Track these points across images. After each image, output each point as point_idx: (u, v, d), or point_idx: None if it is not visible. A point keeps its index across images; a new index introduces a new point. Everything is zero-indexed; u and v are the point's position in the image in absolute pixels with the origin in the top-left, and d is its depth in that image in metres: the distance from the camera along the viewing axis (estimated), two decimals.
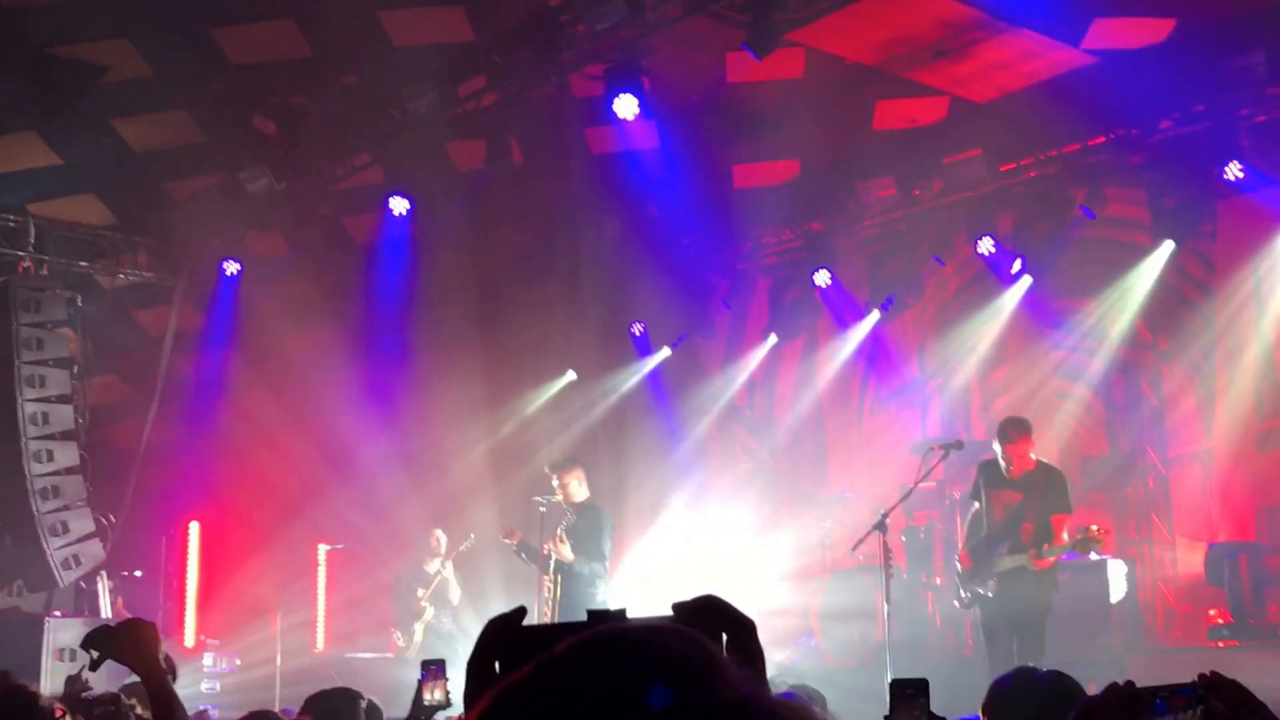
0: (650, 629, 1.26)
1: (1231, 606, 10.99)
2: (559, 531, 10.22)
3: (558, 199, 13.10)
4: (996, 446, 9.02)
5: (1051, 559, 8.71)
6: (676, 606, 1.76)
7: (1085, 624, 10.37)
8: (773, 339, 14.68)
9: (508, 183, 12.28)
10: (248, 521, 14.00)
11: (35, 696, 4.01)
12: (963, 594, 9.26)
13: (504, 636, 1.76)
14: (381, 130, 12.00)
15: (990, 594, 8.89)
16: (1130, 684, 2.38)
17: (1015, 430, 8.94)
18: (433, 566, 12.68)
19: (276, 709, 7.42)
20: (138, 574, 13.59)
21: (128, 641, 3.53)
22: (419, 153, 12.29)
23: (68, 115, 11.42)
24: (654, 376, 15.40)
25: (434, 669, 4.76)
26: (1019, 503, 8.91)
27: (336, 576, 14.06)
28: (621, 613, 1.73)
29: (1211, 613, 11.28)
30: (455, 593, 12.65)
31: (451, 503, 13.86)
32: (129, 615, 12.23)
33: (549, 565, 10.26)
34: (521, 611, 1.80)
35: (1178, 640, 11.64)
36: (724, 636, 1.75)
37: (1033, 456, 9.00)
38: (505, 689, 1.21)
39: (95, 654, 3.48)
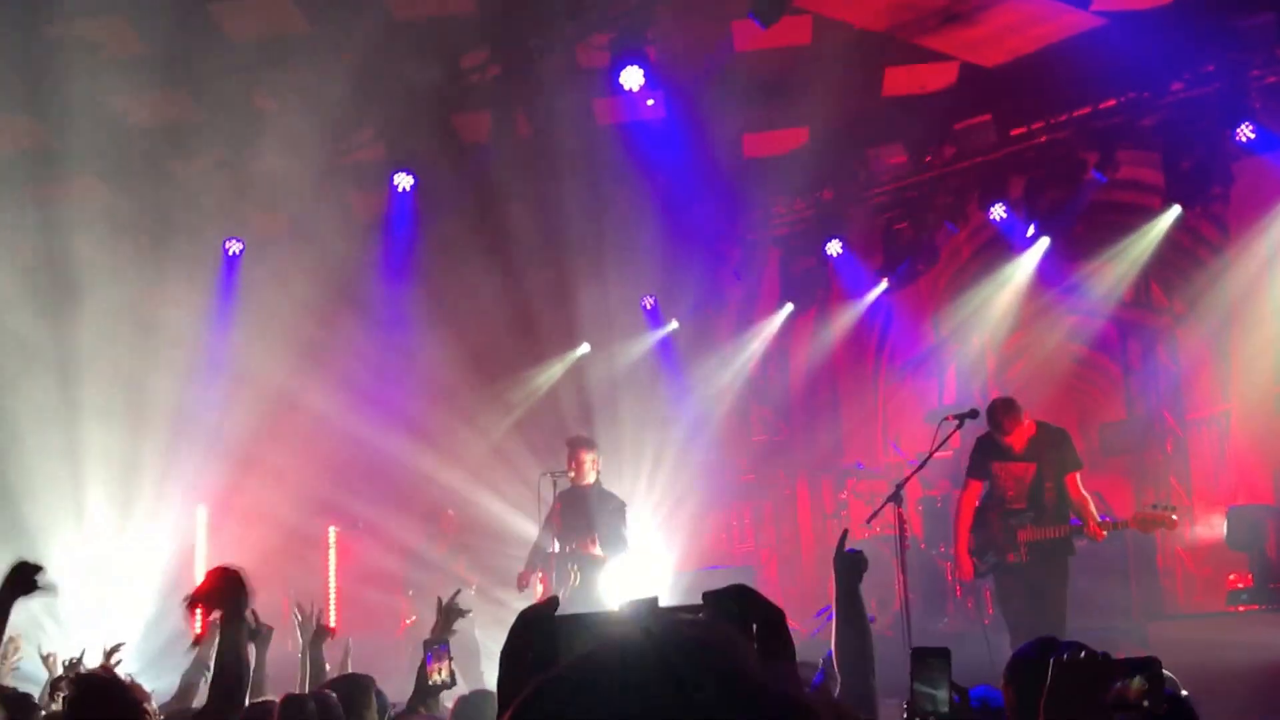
0: (681, 629, 1.29)
1: (1253, 569, 11.05)
2: (591, 533, 10.16)
3: (565, 171, 13.09)
4: (994, 434, 9.01)
5: (1104, 533, 8.74)
6: (707, 595, 1.83)
7: (1105, 590, 10.44)
8: (789, 307, 14.74)
9: (514, 156, 12.29)
10: (256, 504, 14.06)
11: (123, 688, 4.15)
12: (977, 564, 9.26)
13: (537, 626, 1.83)
14: (384, 105, 12.01)
15: (1019, 562, 8.91)
16: (1106, 655, 2.56)
17: (1007, 418, 8.88)
18: (442, 555, 12.71)
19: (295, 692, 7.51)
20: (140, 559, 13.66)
21: (215, 589, 3.76)
22: (423, 127, 12.32)
23: (65, 94, 11.44)
24: (666, 349, 15.46)
25: (438, 649, 4.84)
26: (1034, 472, 8.94)
27: (347, 558, 14.14)
28: (654, 600, 1.79)
29: (1231, 577, 11.35)
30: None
31: (464, 481, 13.93)
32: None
33: (567, 558, 10.26)
34: (554, 602, 1.88)
35: (1198, 605, 11.72)
36: (754, 625, 1.82)
37: (1027, 423, 9.01)
38: (541, 686, 1.24)
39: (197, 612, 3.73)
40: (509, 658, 1.84)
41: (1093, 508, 8.79)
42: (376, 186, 13.20)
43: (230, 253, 13.71)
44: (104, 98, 11.96)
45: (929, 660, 3.12)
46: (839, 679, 4.04)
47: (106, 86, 11.76)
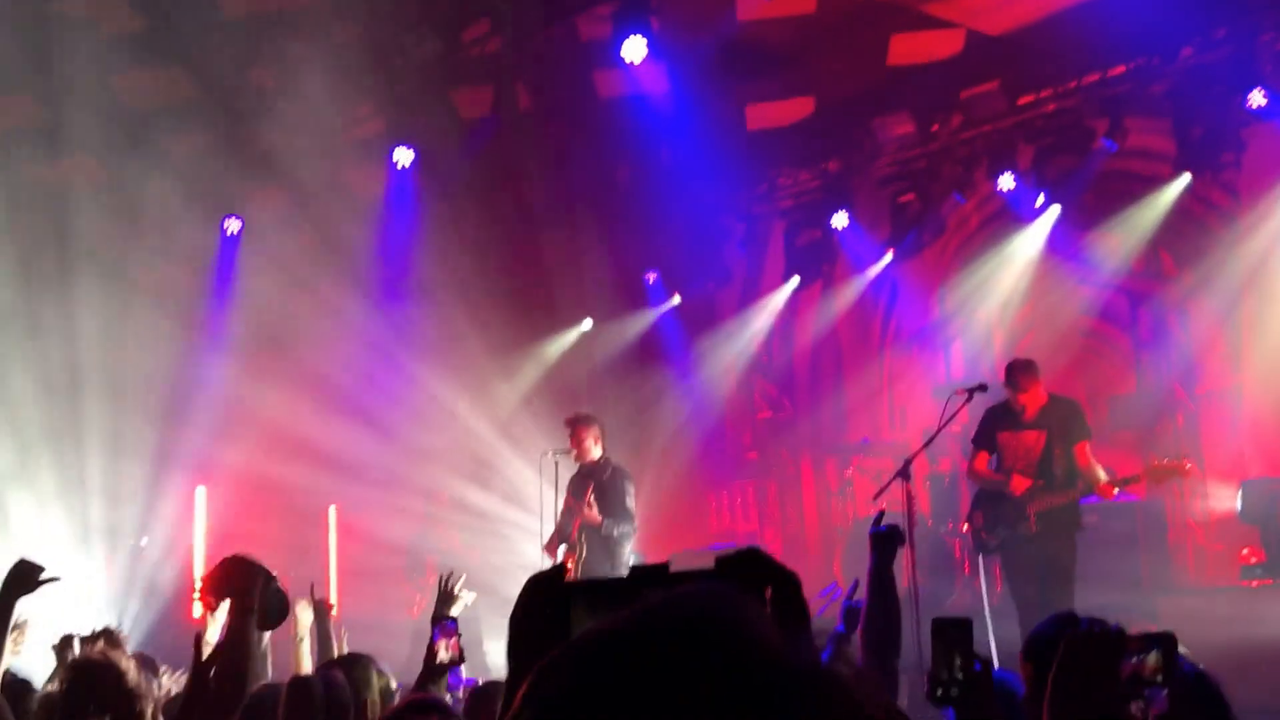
0: (695, 601, 1.25)
1: (1266, 543, 11.02)
2: (589, 496, 10.19)
3: (567, 145, 13.05)
4: (1009, 393, 9.02)
5: (1114, 489, 8.73)
6: (720, 560, 1.80)
7: (1114, 565, 10.41)
8: (795, 280, 14.69)
9: (515, 130, 12.24)
10: (255, 485, 14.06)
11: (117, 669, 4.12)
12: (985, 538, 9.24)
13: (545, 594, 1.80)
14: (383, 80, 11.97)
15: (1028, 534, 8.89)
16: (1120, 629, 2.55)
17: (1025, 376, 8.92)
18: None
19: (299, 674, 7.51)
20: (144, 542, 13.69)
21: (225, 578, 3.72)
22: (422, 102, 12.27)
23: (59, 72, 11.40)
24: (670, 324, 15.43)
25: (445, 625, 4.82)
26: (1044, 441, 8.93)
27: (348, 540, 14.13)
28: (665, 566, 1.76)
29: (1244, 551, 11.31)
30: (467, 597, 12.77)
31: (468, 459, 13.93)
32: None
33: (571, 528, 10.28)
34: (562, 569, 1.85)
35: (1210, 580, 11.69)
36: (768, 590, 1.79)
37: (1042, 394, 9.01)
38: (551, 661, 1.22)
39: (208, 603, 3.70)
40: (517, 625, 1.82)
41: (1101, 472, 8.80)
42: (376, 163, 13.16)
43: (229, 231, 13.68)
44: (101, 75, 11.92)
45: (949, 631, 3.10)
46: (857, 657, 4.05)
47: (103, 64, 11.73)
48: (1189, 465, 8.75)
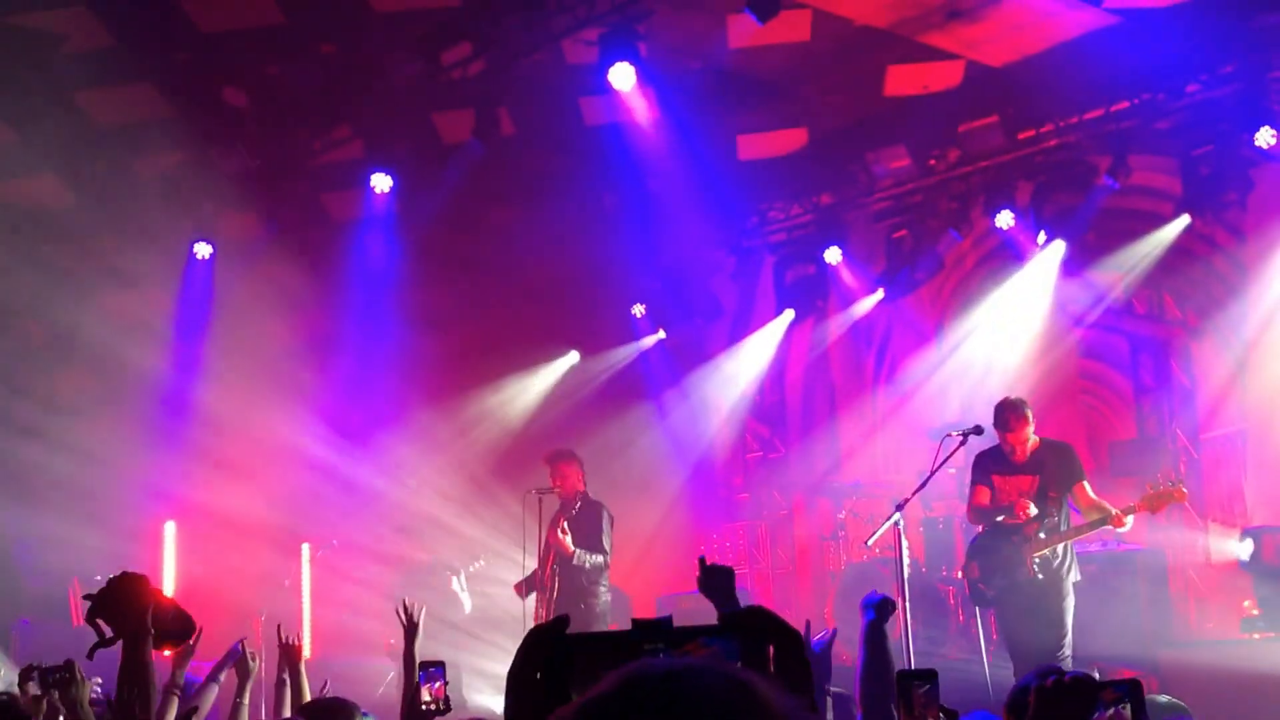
0: (693, 669, 1.26)
1: (1261, 595, 11.07)
2: (562, 524, 10.28)
3: (551, 173, 13.08)
4: (999, 434, 9.08)
5: (1129, 520, 8.75)
6: (724, 617, 1.84)
7: (1116, 618, 10.45)
8: (788, 314, 14.67)
9: (497, 156, 12.28)
10: (226, 521, 14.00)
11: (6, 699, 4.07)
12: (982, 589, 9.28)
13: (546, 646, 1.83)
14: (362, 101, 11.98)
15: (1027, 579, 8.92)
16: (1089, 676, 2.65)
17: (1014, 416, 8.97)
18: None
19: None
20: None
21: (116, 598, 3.57)
22: (402, 125, 12.28)
23: (24, 89, 11.39)
24: (658, 359, 15.45)
25: (432, 671, 4.79)
26: (1038, 485, 8.99)
27: (323, 578, 14.07)
28: (667, 621, 1.79)
29: (1246, 603, 11.35)
30: (467, 603, 12.77)
31: (449, 497, 13.91)
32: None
33: (545, 566, 10.35)
34: (563, 622, 1.87)
35: (1211, 632, 11.72)
36: (771, 648, 1.82)
37: (1034, 439, 9.07)
38: None
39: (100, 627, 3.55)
40: (517, 679, 1.84)
41: (1109, 505, 8.83)
42: (353, 187, 13.18)
43: (199, 256, 13.65)
44: (67, 92, 11.93)
45: (915, 682, 3.17)
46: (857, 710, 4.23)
47: (69, 81, 11.73)
48: (1184, 490, 8.82)
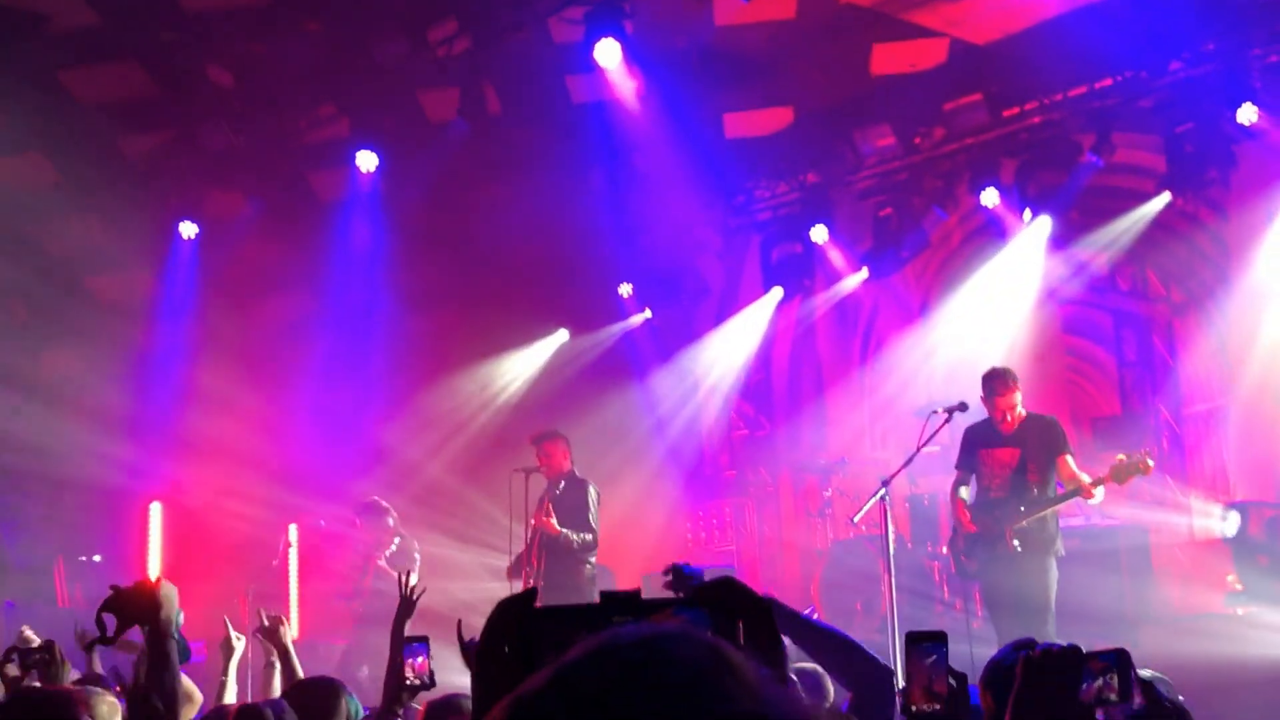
0: (666, 635, 1.25)
1: (1240, 568, 11.11)
2: (546, 505, 10.27)
3: (537, 151, 13.03)
4: (985, 403, 9.11)
5: (1099, 491, 8.77)
6: (694, 589, 1.81)
7: (1098, 595, 10.47)
8: (777, 292, 14.65)
9: (483, 134, 12.23)
10: (212, 501, 13.96)
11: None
12: (965, 562, 9.32)
13: (515, 619, 1.81)
14: (347, 80, 11.93)
15: (1006, 554, 8.95)
16: (1075, 648, 2.61)
17: (1000, 382, 9.01)
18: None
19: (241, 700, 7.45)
20: (96, 559, 13.58)
21: (139, 600, 3.61)
22: (388, 103, 12.23)
23: (7, 67, 11.31)
24: (644, 338, 15.42)
25: (415, 646, 4.76)
26: (1020, 457, 9.01)
27: (311, 558, 14.04)
28: (635, 594, 1.77)
29: (1230, 578, 11.39)
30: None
31: (436, 477, 13.88)
32: (85, 601, 12.37)
33: (532, 547, 10.32)
34: (533, 594, 1.85)
35: (1194, 607, 11.76)
36: (740, 621, 1.80)
37: (1021, 410, 9.08)
38: (520, 700, 1.22)
39: (109, 621, 3.58)
40: (485, 651, 1.82)
41: (1085, 477, 8.85)
42: (339, 166, 13.11)
43: (185, 236, 13.58)
44: (51, 71, 11.85)
45: (923, 645, 3.13)
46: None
47: (54, 59, 11.65)
48: (1150, 463, 8.83)
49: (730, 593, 1.83)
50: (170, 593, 3.68)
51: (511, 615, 1.81)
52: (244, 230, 13.58)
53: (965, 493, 9.37)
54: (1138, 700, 2.83)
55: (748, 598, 1.84)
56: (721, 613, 1.78)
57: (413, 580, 5.67)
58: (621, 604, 1.73)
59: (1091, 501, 8.94)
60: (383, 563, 11.35)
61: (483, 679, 1.81)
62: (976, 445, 9.21)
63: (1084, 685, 2.71)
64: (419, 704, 5.01)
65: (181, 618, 3.79)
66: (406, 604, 5.59)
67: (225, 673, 6.39)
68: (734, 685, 1.19)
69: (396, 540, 11.57)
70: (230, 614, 7.14)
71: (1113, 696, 2.70)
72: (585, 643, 1.25)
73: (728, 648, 1.24)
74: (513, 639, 1.77)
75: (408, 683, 4.66)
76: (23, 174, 12.94)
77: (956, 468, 9.45)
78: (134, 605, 3.63)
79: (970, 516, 9.19)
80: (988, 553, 9.05)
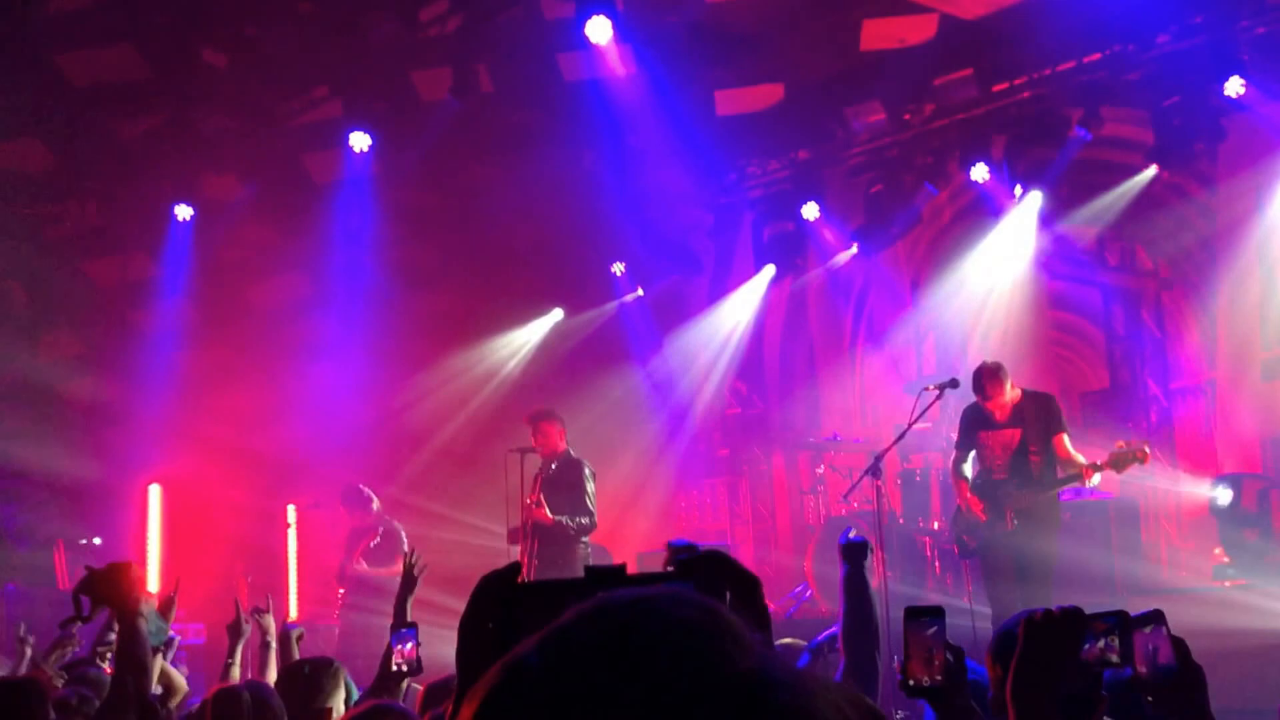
0: (660, 596, 1.23)
1: (1223, 540, 11.13)
2: (537, 494, 10.18)
3: (530, 130, 12.98)
4: (979, 400, 9.10)
5: (1096, 476, 8.79)
6: (681, 562, 1.80)
7: (1088, 567, 10.48)
8: (770, 269, 14.62)
9: (476, 113, 12.17)
10: (212, 483, 13.95)
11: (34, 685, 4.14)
12: (965, 539, 9.33)
13: (498, 594, 1.79)
14: (340, 60, 11.87)
15: (1005, 531, 8.97)
16: (1077, 609, 2.62)
17: (990, 383, 8.98)
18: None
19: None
20: (96, 541, 13.57)
21: (109, 582, 3.71)
22: (380, 83, 12.18)
23: (2, 50, 11.25)
24: (637, 317, 15.41)
25: (402, 633, 4.75)
26: (1019, 438, 9.02)
27: (309, 539, 14.02)
28: (621, 568, 1.76)
29: (1217, 550, 11.41)
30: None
31: (432, 456, 13.87)
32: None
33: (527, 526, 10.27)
34: (516, 568, 1.83)
35: (1183, 580, 11.78)
36: (728, 594, 1.79)
37: (1015, 391, 9.08)
38: (510, 666, 1.19)
39: (85, 602, 3.70)
40: (468, 627, 1.81)
41: (1082, 458, 8.87)
42: (333, 147, 13.05)
43: (180, 218, 13.54)
44: (46, 54, 11.78)
45: (922, 619, 3.13)
46: (840, 658, 4.24)
47: (48, 42, 11.58)
48: (1147, 451, 8.84)
49: (718, 566, 1.82)
50: (139, 575, 3.79)
51: (495, 590, 1.80)
52: (239, 212, 13.54)
53: (967, 470, 9.37)
54: (1167, 658, 2.86)
55: (736, 571, 1.83)
56: (709, 585, 1.77)
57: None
58: (606, 578, 1.72)
59: (1089, 484, 8.94)
60: (362, 564, 11.34)
61: (466, 654, 1.80)
62: (976, 427, 9.20)
63: (1086, 646, 2.73)
64: (420, 684, 5.01)
65: (174, 611, 3.86)
66: (409, 580, 5.59)
67: (231, 654, 6.39)
68: (731, 645, 1.18)
69: (381, 529, 11.52)
70: (229, 596, 7.14)
71: (1114, 658, 2.72)
72: (578, 607, 1.23)
73: (723, 609, 1.23)
74: (496, 614, 1.76)
75: (395, 668, 4.66)
76: (19, 157, 12.88)
77: (956, 448, 9.46)
78: (104, 585, 3.72)
79: (974, 496, 9.20)
80: (988, 530, 9.06)
